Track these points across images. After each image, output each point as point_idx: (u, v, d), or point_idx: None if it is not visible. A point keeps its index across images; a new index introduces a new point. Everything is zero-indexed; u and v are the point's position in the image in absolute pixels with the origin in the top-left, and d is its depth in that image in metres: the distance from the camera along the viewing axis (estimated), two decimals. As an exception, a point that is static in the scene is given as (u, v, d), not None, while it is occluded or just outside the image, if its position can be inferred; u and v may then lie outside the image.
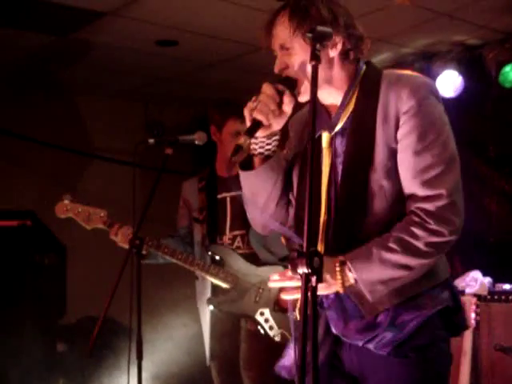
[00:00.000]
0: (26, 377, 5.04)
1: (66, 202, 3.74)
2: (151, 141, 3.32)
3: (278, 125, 2.18)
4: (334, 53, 2.13)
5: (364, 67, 2.20)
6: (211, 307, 3.71)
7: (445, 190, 2.00)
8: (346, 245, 2.04)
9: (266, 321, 3.63)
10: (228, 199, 3.80)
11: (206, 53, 5.47)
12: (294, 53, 2.12)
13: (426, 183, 2.02)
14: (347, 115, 2.15)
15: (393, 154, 2.07)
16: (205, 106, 6.85)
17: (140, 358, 3.14)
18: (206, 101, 6.82)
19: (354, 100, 2.15)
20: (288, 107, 2.14)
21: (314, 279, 1.68)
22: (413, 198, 2.04)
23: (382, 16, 4.64)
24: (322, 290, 1.99)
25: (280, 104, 2.12)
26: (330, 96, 2.18)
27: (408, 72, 2.18)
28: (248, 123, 2.12)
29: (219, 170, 3.89)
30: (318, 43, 1.73)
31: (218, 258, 3.70)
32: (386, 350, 2.03)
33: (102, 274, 6.11)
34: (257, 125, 2.09)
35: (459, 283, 4.01)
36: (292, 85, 2.12)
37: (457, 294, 2.17)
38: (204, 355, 3.88)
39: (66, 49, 5.29)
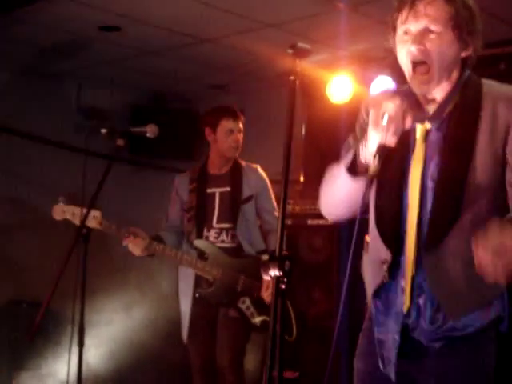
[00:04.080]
0: None
1: (61, 204, 3.77)
2: (103, 131, 3.38)
3: None
4: (464, 54, 2.17)
5: (467, 72, 2.22)
6: (197, 295, 4.07)
7: None
8: (439, 239, 2.09)
9: (248, 308, 4.04)
10: (217, 194, 4.14)
11: (147, 41, 5.47)
12: (440, 39, 2.10)
13: None
14: (448, 111, 2.17)
15: (496, 162, 2.10)
16: (141, 92, 6.88)
17: (81, 345, 3.18)
18: (142, 88, 6.85)
19: (454, 99, 2.17)
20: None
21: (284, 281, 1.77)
22: None
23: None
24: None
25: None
26: (434, 90, 2.17)
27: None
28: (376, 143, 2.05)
29: (211, 167, 4.22)
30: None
31: (203, 252, 4.07)
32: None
33: (18, 254, 5.94)
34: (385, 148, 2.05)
35: None
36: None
37: (507, 305, 2.19)
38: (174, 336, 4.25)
39: (5, 26, 5.17)
